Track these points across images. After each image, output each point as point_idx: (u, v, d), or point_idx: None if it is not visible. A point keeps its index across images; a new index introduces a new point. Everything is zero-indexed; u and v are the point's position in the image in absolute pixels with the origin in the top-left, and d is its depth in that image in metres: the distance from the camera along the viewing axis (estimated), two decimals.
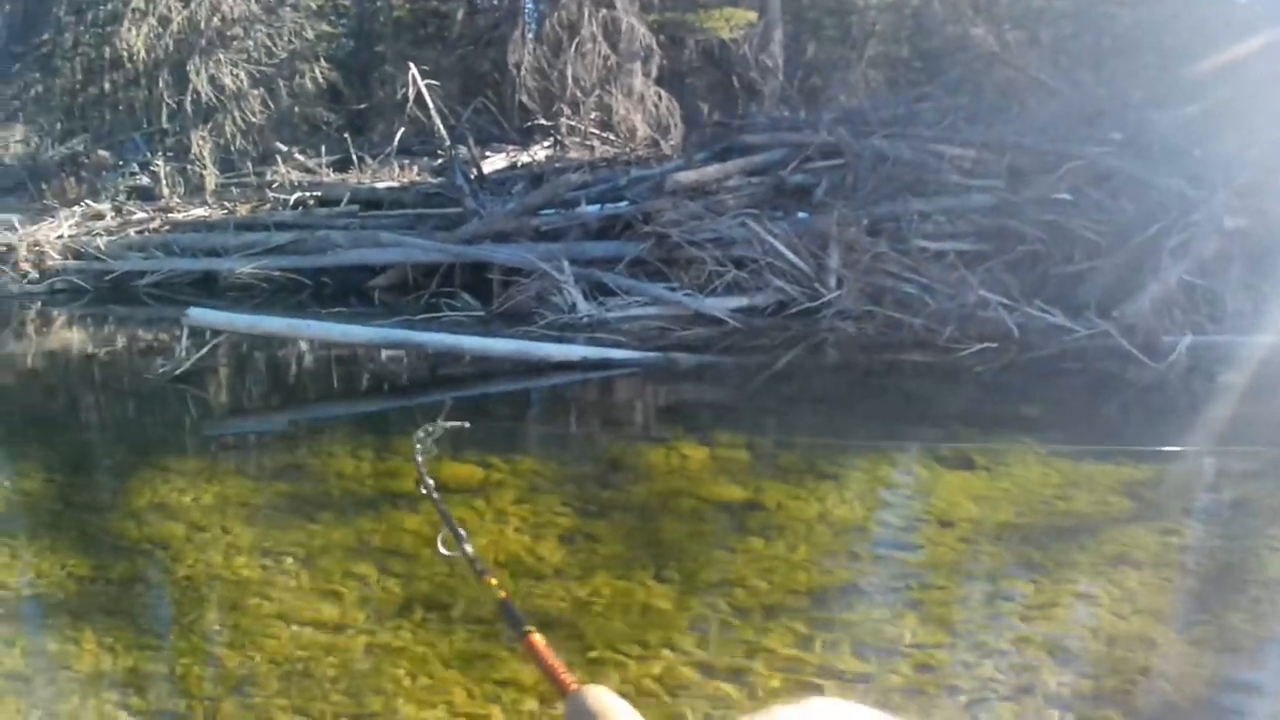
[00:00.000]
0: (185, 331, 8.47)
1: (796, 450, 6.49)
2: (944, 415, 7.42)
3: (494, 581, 2.30)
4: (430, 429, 3.62)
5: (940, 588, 4.58)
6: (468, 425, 5.41)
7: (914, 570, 4.80)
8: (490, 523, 5.36)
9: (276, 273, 12.21)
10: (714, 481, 5.93)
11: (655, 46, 18.91)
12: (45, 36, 19.20)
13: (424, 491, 3.73)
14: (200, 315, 8.63)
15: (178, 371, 8.33)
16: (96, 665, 4.04)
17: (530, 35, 18.57)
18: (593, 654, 4.02)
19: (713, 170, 12.15)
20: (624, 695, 3.70)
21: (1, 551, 5.12)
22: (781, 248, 10.20)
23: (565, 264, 10.43)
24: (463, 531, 3.56)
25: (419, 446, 3.87)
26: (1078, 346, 8.63)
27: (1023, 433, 6.61)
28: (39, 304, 11.94)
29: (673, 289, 10.22)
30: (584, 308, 9.96)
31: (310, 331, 9.17)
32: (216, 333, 8.74)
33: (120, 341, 10.89)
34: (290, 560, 4.93)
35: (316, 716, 3.61)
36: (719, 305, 9.94)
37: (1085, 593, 4.50)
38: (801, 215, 11.01)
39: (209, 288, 12.25)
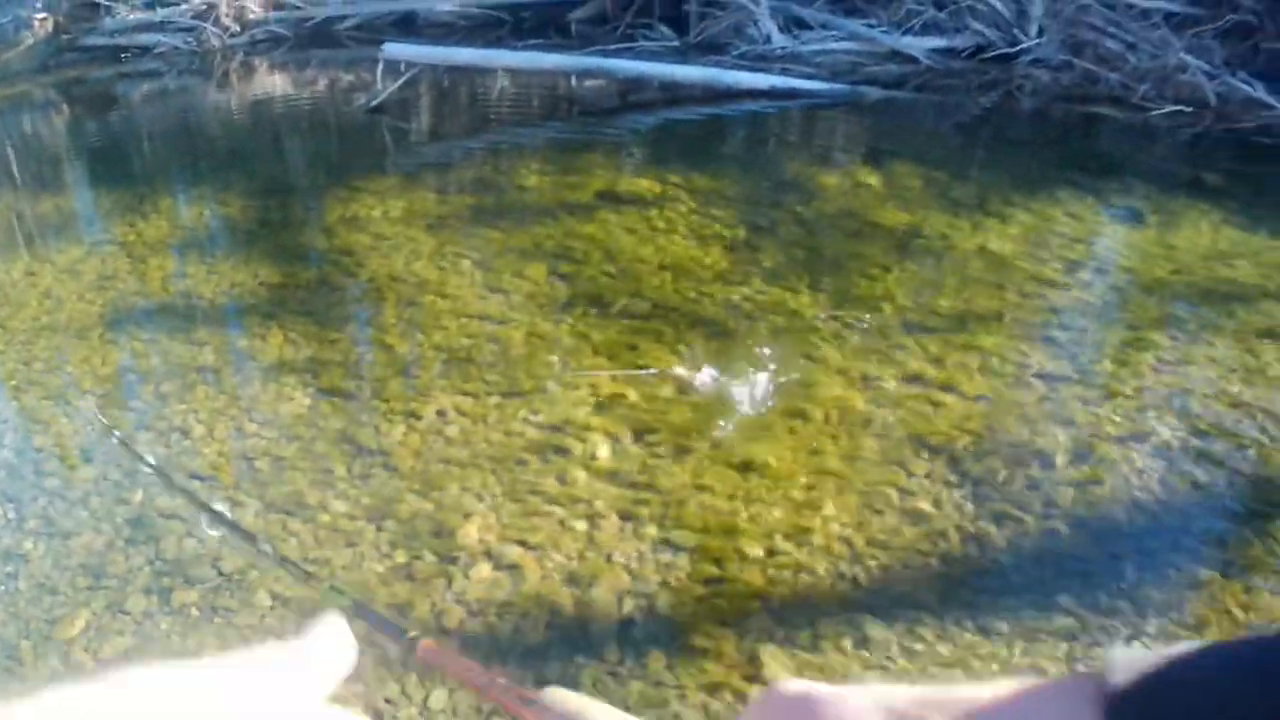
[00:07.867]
0: (381, 66, 8.57)
1: (970, 185, 6.31)
2: (1125, 171, 6.96)
3: None
4: None
5: (1078, 328, 4.48)
6: None
7: (1057, 307, 4.69)
8: (661, 231, 5.37)
9: (476, 10, 12.15)
10: (882, 208, 5.83)
11: None
12: None
13: None
14: (396, 49, 8.67)
15: (374, 103, 8.46)
16: (279, 356, 4.26)
17: None
18: (736, 352, 4.11)
19: None
20: (754, 384, 3.79)
21: (199, 268, 5.38)
22: None
23: None
24: None
25: None
26: (1276, 122, 7.92)
27: (1200, 198, 6.14)
28: (240, 55, 12.22)
29: (870, 25, 9.79)
30: (778, 40, 9.67)
31: (501, 60, 9.13)
32: (412, 67, 8.80)
33: (320, 83, 11.07)
34: (466, 263, 5.04)
35: (471, 393, 3.74)
36: (916, 44, 9.45)
37: (1220, 358, 4.28)
38: None
39: (409, 28, 12.31)
